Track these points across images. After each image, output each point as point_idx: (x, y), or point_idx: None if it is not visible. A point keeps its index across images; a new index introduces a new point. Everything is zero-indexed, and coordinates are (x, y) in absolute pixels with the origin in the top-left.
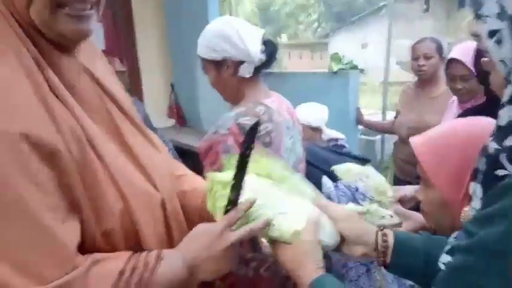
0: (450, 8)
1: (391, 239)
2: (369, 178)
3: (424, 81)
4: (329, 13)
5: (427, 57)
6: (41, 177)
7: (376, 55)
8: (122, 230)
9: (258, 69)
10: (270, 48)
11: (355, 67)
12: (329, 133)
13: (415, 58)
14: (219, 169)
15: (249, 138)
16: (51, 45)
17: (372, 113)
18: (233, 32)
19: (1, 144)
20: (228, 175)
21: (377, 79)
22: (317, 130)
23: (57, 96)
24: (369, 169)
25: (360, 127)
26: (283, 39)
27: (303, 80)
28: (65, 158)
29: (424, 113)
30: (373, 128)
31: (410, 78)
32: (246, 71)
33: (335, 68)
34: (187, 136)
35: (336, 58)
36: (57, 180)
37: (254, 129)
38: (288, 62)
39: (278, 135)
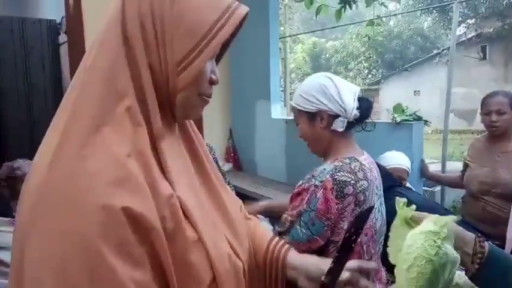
0: (508, 55)
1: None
2: None
3: (496, 135)
4: (381, 60)
5: (500, 113)
6: (136, 251)
7: (429, 102)
8: None
9: (351, 125)
10: (365, 105)
11: (419, 118)
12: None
13: (487, 113)
14: (296, 215)
15: (359, 222)
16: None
17: (428, 162)
18: (331, 86)
19: (102, 217)
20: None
21: (430, 127)
22: (407, 175)
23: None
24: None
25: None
26: None
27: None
28: (160, 235)
29: (497, 167)
30: (438, 181)
31: (465, 126)
32: (340, 125)
33: (398, 118)
34: (243, 181)
35: (399, 109)
36: (149, 258)
37: (366, 213)
38: None
39: (371, 193)
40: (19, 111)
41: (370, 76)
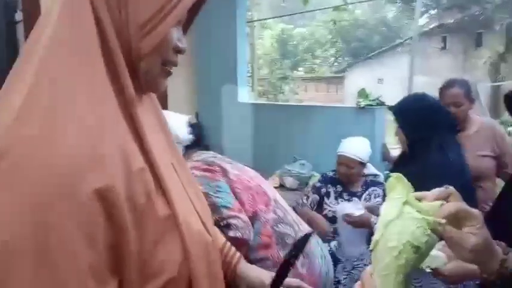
0: (467, 46)
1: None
2: None
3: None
4: (346, 49)
5: (457, 105)
6: (97, 233)
7: (392, 90)
8: (179, 279)
9: (190, 147)
10: (197, 130)
11: (382, 103)
12: (369, 168)
13: (444, 105)
14: (212, 203)
15: (297, 247)
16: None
17: (390, 148)
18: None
19: (73, 200)
20: None
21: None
22: (364, 165)
23: (135, 139)
24: None
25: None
26: (299, 72)
27: (326, 113)
28: (125, 211)
29: None
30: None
31: None
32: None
33: (362, 103)
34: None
35: (363, 93)
36: (110, 237)
37: (304, 239)
38: (304, 94)
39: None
40: None
41: (336, 64)
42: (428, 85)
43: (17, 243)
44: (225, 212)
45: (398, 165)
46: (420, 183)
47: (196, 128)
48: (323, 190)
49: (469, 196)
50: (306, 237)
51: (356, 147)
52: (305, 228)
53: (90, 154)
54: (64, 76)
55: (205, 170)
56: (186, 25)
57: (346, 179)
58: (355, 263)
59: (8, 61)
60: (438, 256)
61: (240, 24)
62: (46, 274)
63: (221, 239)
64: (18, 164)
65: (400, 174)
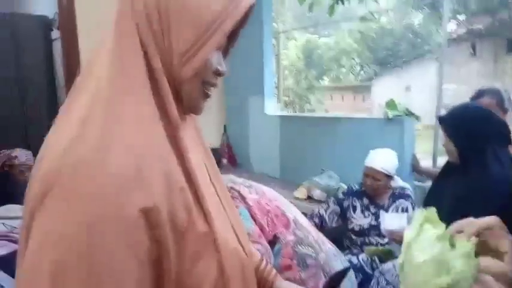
0: (498, 52)
1: None
2: None
3: None
4: (372, 57)
5: None
6: (143, 252)
7: (420, 98)
8: None
9: None
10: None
11: (410, 113)
12: (397, 181)
13: None
14: None
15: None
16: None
17: (419, 158)
18: None
19: (120, 220)
20: None
21: (421, 122)
22: (390, 177)
23: (177, 159)
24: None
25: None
26: (325, 82)
27: (354, 124)
28: (167, 229)
29: None
30: (429, 175)
31: None
32: None
33: (390, 114)
34: (238, 176)
35: (392, 104)
36: (154, 256)
37: (343, 274)
38: (330, 104)
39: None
40: (12, 107)
41: (362, 73)
42: (458, 93)
43: (68, 263)
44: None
45: (446, 176)
46: (477, 197)
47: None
48: (346, 203)
49: None
50: (343, 273)
51: (383, 159)
52: (328, 248)
53: (136, 174)
54: (115, 99)
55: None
56: (226, 48)
57: (372, 191)
58: (390, 278)
59: (46, 76)
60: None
61: (267, 36)
62: None
63: (256, 255)
64: (70, 184)
65: (434, 210)
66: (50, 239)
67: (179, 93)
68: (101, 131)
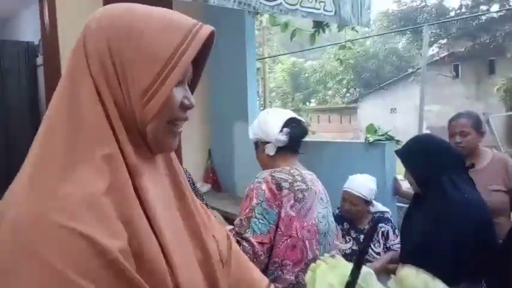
0: (480, 73)
1: None
2: None
3: (464, 155)
4: (358, 79)
5: (463, 135)
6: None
7: (405, 120)
8: None
9: (282, 149)
10: (296, 131)
11: (391, 138)
12: (377, 206)
13: (451, 135)
14: (249, 212)
15: (369, 236)
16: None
17: (402, 179)
18: (262, 118)
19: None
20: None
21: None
22: (368, 202)
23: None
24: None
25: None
26: (312, 104)
27: (339, 149)
28: (120, 266)
29: None
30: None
31: None
32: (270, 150)
33: (371, 138)
34: (222, 201)
35: (371, 129)
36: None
37: (373, 229)
38: (317, 125)
39: (311, 196)
40: None
41: (348, 95)
42: (441, 114)
43: None
44: (248, 234)
45: (415, 205)
46: (440, 223)
47: (294, 129)
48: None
49: (490, 232)
50: (375, 224)
51: (361, 184)
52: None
53: (86, 214)
54: (64, 149)
55: (270, 190)
56: (195, 79)
57: (350, 216)
58: None
59: (30, 101)
60: None
61: (250, 62)
62: None
63: (264, 281)
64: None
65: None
66: None
67: (144, 136)
68: (56, 178)
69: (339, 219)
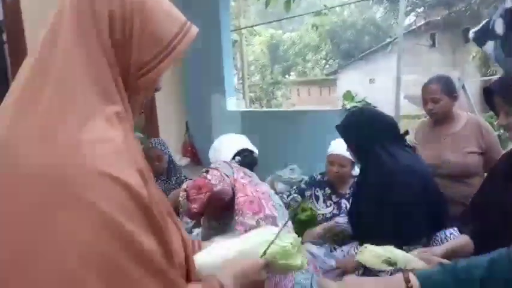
0: (456, 42)
1: (414, 281)
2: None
3: (439, 120)
4: (336, 51)
5: (434, 101)
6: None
7: (384, 90)
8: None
9: None
10: (244, 160)
11: (368, 104)
12: (357, 170)
13: (424, 102)
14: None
15: None
16: None
17: None
18: (216, 146)
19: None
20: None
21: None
22: (354, 164)
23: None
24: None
25: None
26: (291, 77)
27: (316, 117)
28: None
29: (442, 150)
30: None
31: (419, 111)
32: None
33: (348, 105)
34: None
35: (349, 96)
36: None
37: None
38: (297, 98)
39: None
40: None
41: (327, 66)
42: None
43: None
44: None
45: (358, 184)
46: (382, 193)
47: (245, 158)
48: (308, 192)
49: (436, 197)
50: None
51: (342, 147)
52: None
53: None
54: (79, 103)
55: (224, 161)
56: None
57: (338, 178)
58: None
59: None
60: (415, 260)
61: (225, 33)
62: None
63: None
64: None
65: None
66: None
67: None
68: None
69: (320, 184)
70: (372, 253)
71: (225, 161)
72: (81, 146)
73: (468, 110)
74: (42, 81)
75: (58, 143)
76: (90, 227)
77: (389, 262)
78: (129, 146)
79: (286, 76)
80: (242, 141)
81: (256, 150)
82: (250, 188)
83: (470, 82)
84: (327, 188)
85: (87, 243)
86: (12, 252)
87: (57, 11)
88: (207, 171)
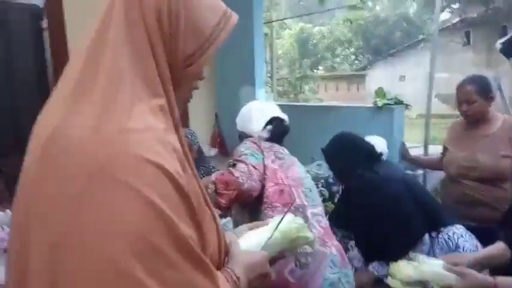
0: (491, 40)
1: None
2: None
3: (473, 122)
4: (366, 46)
5: (469, 103)
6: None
7: (414, 87)
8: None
9: (265, 140)
10: (276, 129)
11: (400, 102)
12: None
13: (459, 104)
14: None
15: None
16: None
17: (410, 146)
18: (246, 113)
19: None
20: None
21: (414, 111)
22: None
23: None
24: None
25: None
26: (320, 72)
27: (345, 113)
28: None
29: (476, 151)
30: (419, 164)
31: (449, 111)
32: None
33: (379, 103)
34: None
35: (381, 93)
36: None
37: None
38: (324, 93)
39: (290, 159)
40: (1, 98)
41: (356, 62)
42: (450, 82)
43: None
44: (243, 158)
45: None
46: (372, 209)
47: (276, 127)
48: (335, 188)
49: (425, 197)
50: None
51: (375, 145)
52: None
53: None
54: (126, 93)
55: (253, 143)
56: None
57: None
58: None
59: (36, 65)
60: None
61: (257, 25)
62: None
63: None
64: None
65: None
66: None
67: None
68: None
69: None
70: (401, 275)
71: (253, 141)
72: (127, 134)
73: (504, 111)
74: (94, 72)
75: (107, 131)
76: (137, 209)
77: (421, 284)
78: (170, 135)
79: (314, 70)
80: (273, 110)
81: (287, 118)
82: (280, 174)
83: (506, 83)
84: None
85: (133, 224)
86: (60, 234)
87: (108, 2)
88: (234, 165)
